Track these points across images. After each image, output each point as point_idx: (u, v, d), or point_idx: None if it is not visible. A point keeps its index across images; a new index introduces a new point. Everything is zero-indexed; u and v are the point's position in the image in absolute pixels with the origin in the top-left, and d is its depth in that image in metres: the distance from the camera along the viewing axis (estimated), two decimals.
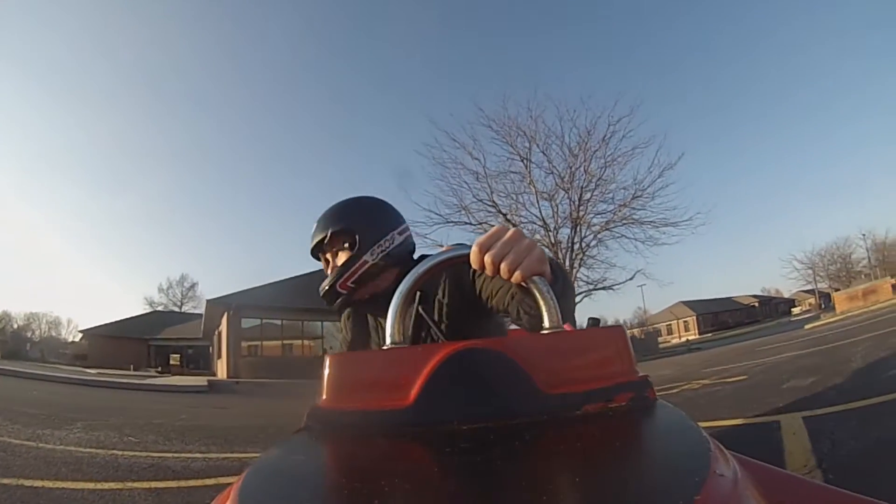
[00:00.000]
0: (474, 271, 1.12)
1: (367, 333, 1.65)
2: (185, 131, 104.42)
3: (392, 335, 0.87)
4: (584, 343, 0.81)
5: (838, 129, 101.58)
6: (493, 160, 22.09)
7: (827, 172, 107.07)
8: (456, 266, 0.99)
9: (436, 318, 1.42)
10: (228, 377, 22.25)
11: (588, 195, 21.32)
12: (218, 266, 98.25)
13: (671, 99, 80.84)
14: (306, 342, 26.80)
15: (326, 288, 1.48)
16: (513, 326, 1.44)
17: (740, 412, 5.00)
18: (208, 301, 25.06)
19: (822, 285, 68.54)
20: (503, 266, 0.82)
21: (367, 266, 1.45)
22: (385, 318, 1.02)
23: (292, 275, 28.07)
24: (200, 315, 29.46)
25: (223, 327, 25.57)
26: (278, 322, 25.76)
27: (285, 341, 26.19)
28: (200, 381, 18.69)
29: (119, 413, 8.18)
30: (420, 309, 1.38)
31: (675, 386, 8.00)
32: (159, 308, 58.63)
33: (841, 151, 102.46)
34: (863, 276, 52.54)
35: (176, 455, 4.82)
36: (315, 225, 1.51)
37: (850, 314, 22.83)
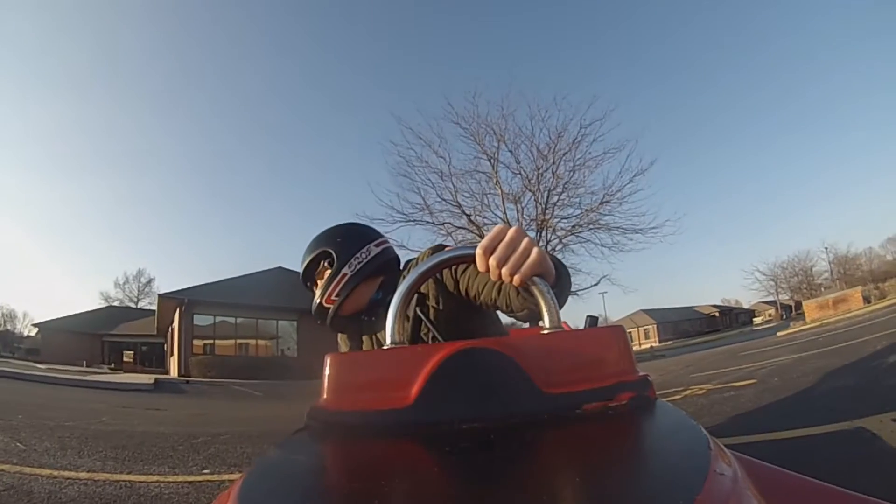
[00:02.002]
0: (457, 269, 1.38)
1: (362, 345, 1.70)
2: (146, 119, 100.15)
3: (392, 335, 0.86)
4: (584, 343, 0.80)
5: (802, 144, 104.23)
6: (458, 158, 21.33)
7: (791, 186, 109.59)
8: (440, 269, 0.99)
9: (431, 319, 1.45)
10: (179, 376, 21.60)
11: (555, 198, 20.62)
12: (178, 263, 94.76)
13: (643, 108, 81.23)
14: (261, 342, 26.12)
15: (315, 304, 1.60)
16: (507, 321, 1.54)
17: (792, 420, 4.28)
18: (160, 295, 24.27)
19: (783, 297, 70.70)
20: (504, 270, 0.81)
21: (346, 278, 1.54)
22: (373, 333, 1.64)
23: (248, 272, 27.40)
24: (155, 311, 28.31)
25: (175, 324, 24.88)
26: (232, 320, 25.10)
27: (239, 340, 25.44)
28: (147, 378, 17.90)
29: (33, 412, 7.27)
30: (417, 311, 1.44)
31: (675, 392, 7.33)
32: (115, 303, 56.18)
33: (806, 166, 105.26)
34: (823, 289, 53.92)
35: (54, 473, 3.78)
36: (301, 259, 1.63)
37: (824, 322, 23.04)
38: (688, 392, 7.19)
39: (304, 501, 0.53)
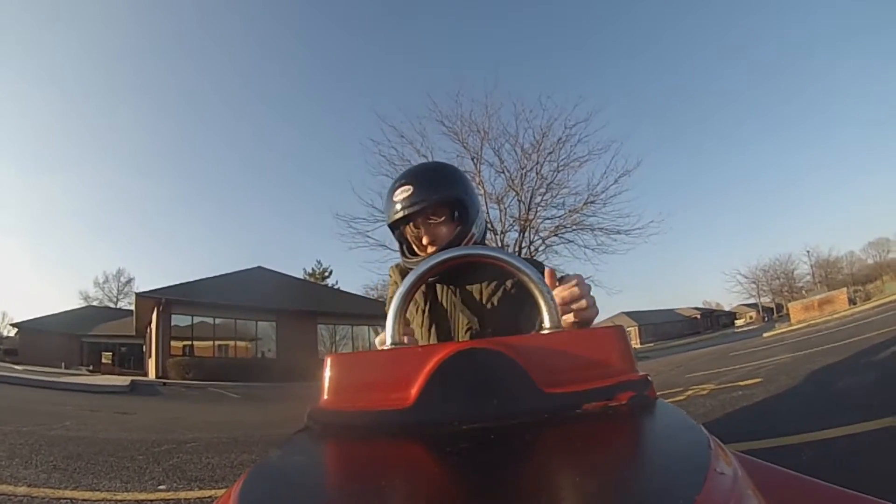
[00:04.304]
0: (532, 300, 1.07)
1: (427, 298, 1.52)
2: (129, 113, 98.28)
3: (392, 335, 0.88)
4: (584, 342, 0.80)
5: (785, 148, 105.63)
6: (441, 156, 20.74)
7: (774, 190, 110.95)
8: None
9: (497, 304, 1.40)
10: (158, 377, 21.26)
11: (539, 198, 20.06)
12: (159, 264, 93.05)
13: (630, 110, 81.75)
14: (240, 343, 25.74)
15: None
16: None
17: (828, 419, 3.99)
18: (137, 294, 23.87)
19: (765, 299, 71.85)
20: (584, 301, 1.00)
21: (473, 240, 1.40)
22: (452, 283, 1.45)
23: (227, 271, 27.48)
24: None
25: (153, 324, 24.44)
26: (211, 320, 24.66)
27: (218, 341, 25.02)
28: (123, 381, 17.48)
29: None
30: (454, 298, 1.43)
31: (677, 392, 7.08)
32: (94, 303, 55.42)
33: (788, 171, 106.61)
34: (804, 292, 54.77)
35: None
36: (407, 189, 1.35)
37: (811, 323, 23.24)
38: (690, 392, 6.98)
39: (303, 502, 0.54)
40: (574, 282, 1.00)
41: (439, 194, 1.35)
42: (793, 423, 4.07)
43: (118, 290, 60.42)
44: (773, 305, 70.94)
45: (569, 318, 0.98)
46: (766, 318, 64.49)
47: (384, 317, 0.94)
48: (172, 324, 23.24)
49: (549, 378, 0.71)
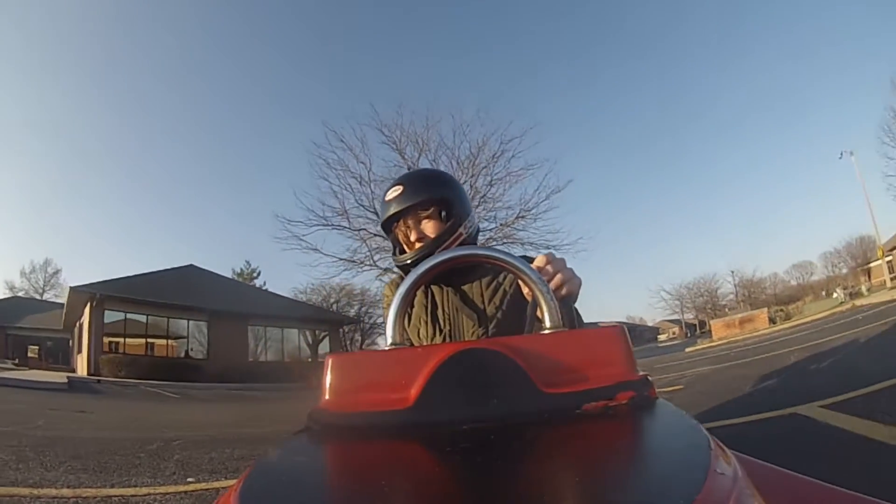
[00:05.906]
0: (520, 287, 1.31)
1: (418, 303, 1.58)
2: (66, 96, 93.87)
3: (392, 335, 0.88)
4: (584, 343, 0.81)
5: (714, 166, 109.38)
6: (379, 165, 20.97)
7: (701, 212, 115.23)
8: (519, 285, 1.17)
9: (498, 303, 1.48)
10: (89, 374, 20.69)
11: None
12: (87, 257, 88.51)
13: (564, 126, 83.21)
14: (171, 342, 25.15)
15: (421, 256, 1.39)
16: None
17: (732, 412, 5.14)
18: (72, 288, 22.86)
19: (688, 316, 74.03)
20: (564, 274, 1.06)
21: (461, 239, 1.45)
22: (449, 285, 1.52)
23: (161, 268, 27.07)
24: (63, 304, 27.03)
25: (85, 319, 23.60)
26: (143, 318, 24.08)
27: (149, 339, 24.42)
28: (60, 377, 17.16)
29: None
30: (458, 298, 1.50)
31: None
32: (20, 293, 52.70)
33: (717, 191, 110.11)
34: (728, 310, 57.13)
35: (35, 492, 3.42)
36: (398, 189, 1.46)
37: (731, 340, 24.58)
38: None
39: (304, 503, 0.54)
40: (543, 261, 1.06)
41: (427, 193, 1.44)
42: (705, 417, 4.93)
43: (45, 282, 57.45)
44: (696, 322, 72.76)
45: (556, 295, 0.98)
46: (689, 334, 66.69)
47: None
48: (104, 320, 22.64)
49: (548, 378, 0.72)
